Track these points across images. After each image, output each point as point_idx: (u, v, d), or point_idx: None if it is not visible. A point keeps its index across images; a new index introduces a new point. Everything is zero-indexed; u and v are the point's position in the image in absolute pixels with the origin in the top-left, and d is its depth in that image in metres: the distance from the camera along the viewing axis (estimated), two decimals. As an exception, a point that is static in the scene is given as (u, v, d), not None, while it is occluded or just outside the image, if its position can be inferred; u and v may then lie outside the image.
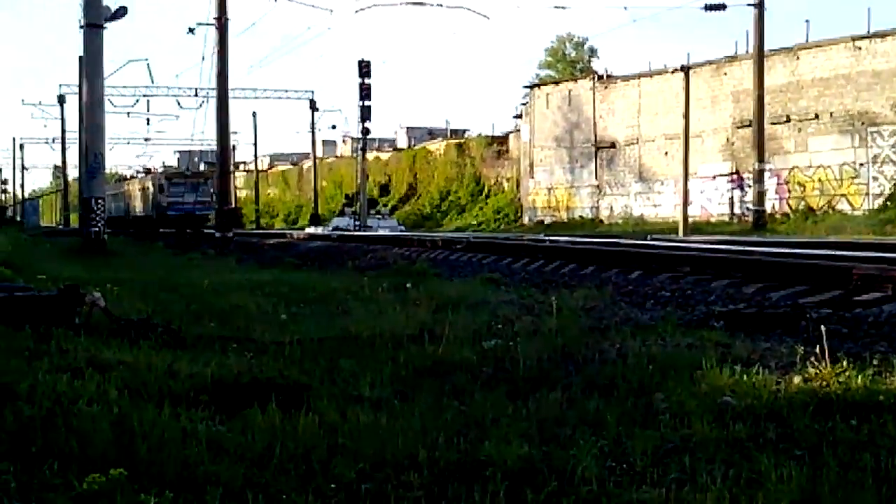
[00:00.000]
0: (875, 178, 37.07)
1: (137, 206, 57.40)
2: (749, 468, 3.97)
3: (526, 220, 54.88)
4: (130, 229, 52.38)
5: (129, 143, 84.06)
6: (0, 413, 4.66)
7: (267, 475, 3.93)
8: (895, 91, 36.08)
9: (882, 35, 36.81)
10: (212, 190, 46.09)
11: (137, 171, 69.22)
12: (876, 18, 43.65)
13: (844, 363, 5.53)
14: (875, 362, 5.82)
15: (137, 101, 67.22)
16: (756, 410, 4.89)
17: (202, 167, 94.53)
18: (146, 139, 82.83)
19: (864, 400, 4.92)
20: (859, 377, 5.37)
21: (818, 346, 5.62)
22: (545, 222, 51.57)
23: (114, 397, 5.12)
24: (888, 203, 36.21)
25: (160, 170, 63.64)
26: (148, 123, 75.96)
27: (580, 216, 51.04)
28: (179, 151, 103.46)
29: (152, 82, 58.88)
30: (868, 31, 37.52)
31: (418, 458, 4.16)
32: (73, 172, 75.40)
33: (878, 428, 4.53)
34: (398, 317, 9.15)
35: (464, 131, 76.80)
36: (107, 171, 35.35)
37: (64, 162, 77.52)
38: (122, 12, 27.00)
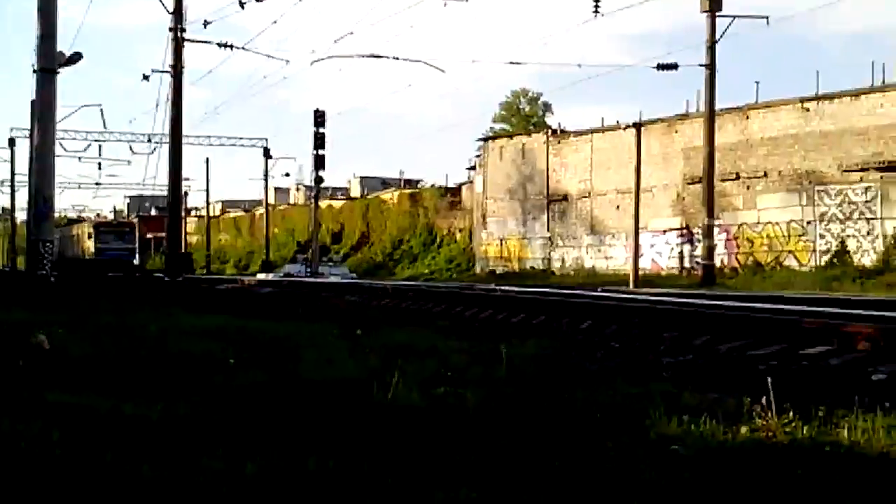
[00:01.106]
0: (822, 236, 37.65)
1: (73, 250, 59.15)
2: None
3: (478, 269, 54.98)
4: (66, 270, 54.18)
5: (79, 186, 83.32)
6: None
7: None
8: (842, 151, 36.77)
9: (830, 97, 37.56)
10: (136, 238, 52.88)
11: (78, 217, 71.70)
12: (824, 82, 44.64)
13: (790, 414, 5.58)
14: (821, 414, 5.88)
15: (89, 145, 66.78)
16: (704, 460, 4.90)
17: (153, 212, 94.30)
18: (97, 183, 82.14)
19: (810, 450, 4.96)
20: (805, 428, 5.42)
21: (764, 398, 5.67)
22: (497, 272, 51.69)
23: (56, 439, 5.04)
24: (834, 260, 36.77)
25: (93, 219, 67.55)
26: (100, 168, 75.38)
27: (532, 267, 51.23)
28: (130, 196, 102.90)
29: (105, 127, 58.45)
30: (816, 93, 38.27)
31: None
32: (21, 215, 74.48)
33: (823, 478, 4.56)
34: (348, 364, 9.10)
35: (417, 181, 77.10)
36: (56, 214, 35.03)
37: (13, 205, 76.54)
38: (76, 58, 26.86)
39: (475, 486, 4.43)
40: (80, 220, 79.75)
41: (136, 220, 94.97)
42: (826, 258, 37.17)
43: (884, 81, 37.28)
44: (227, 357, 9.74)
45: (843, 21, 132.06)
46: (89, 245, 59.80)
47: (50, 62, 25.69)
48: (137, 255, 74.62)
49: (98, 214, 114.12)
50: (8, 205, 79.71)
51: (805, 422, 5.55)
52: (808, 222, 38.05)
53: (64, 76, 26.30)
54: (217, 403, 6.64)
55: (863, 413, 5.74)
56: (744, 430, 5.50)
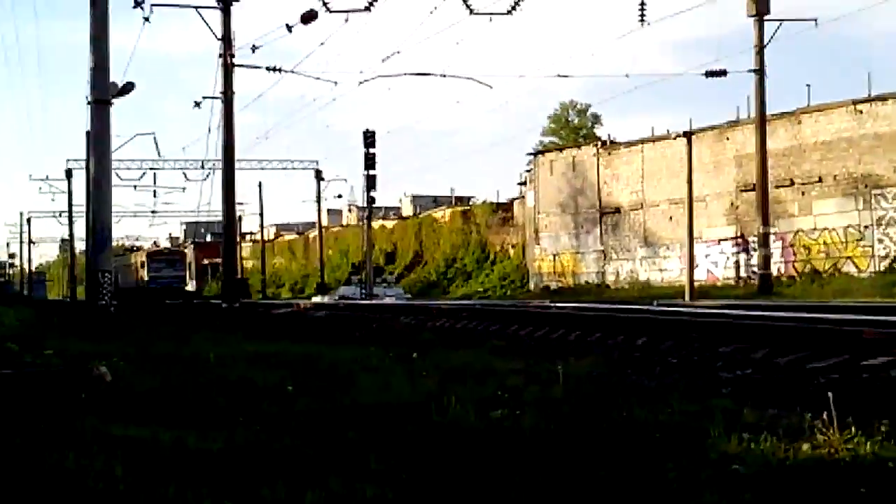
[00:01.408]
0: (880, 241, 37.12)
1: (129, 278, 60.83)
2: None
3: (532, 285, 54.88)
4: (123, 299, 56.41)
5: (135, 215, 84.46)
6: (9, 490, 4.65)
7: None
8: (897, 153, 36.27)
9: (883, 98, 37.10)
10: (187, 265, 56.06)
11: (133, 246, 74.28)
12: (876, 82, 44.10)
13: (852, 429, 5.51)
14: (883, 429, 5.80)
15: (144, 173, 67.71)
16: (765, 479, 4.86)
17: (209, 238, 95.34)
18: (153, 211, 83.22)
19: (873, 467, 4.90)
20: (868, 444, 5.35)
21: (826, 413, 5.61)
22: (551, 288, 51.56)
23: (120, 474, 5.11)
24: (894, 265, 36.22)
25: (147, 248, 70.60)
26: (155, 195, 76.41)
27: (586, 281, 51.03)
28: (186, 223, 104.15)
29: (159, 155, 59.20)
30: (869, 95, 37.82)
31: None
32: (80, 245, 75.67)
33: (888, 495, 4.50)
34: (404, 387, 9.13)
35: (469, 199, 77.15)
36: (114, 242, 35.52)
37: (71, 235, 77.78)
38: (129, 88, 27.34)
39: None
40: (135, 249, 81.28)
41: (189, 247, 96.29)
42: (885, 263, 36.62)
43: (938, 81, 36.72)
44: (285, 384, 9.82)
45: (894, 19, 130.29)
46: (143, 273, 61.97)
47: (103, 93, 26.12)
48: (193, 282, 76.03)
49: (154, 243, 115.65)
50: (67, 236, 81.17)
51: (867, 437, 5.47)
52: (866, 227, 37.53)
53: (117, 106, 26.73)
54: (276, 432, 6.69)
55: (927, 426, 5.65)
56: (805, 447, 5.43)
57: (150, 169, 67.23)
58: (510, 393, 8.45)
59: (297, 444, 6.00)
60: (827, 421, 5.52)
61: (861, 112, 37.70)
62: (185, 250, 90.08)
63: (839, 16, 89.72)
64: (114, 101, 26.46)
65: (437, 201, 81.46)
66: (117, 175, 53.95)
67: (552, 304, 23.79)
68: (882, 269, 36.52)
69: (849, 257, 38.07)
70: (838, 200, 38.52)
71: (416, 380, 9.83)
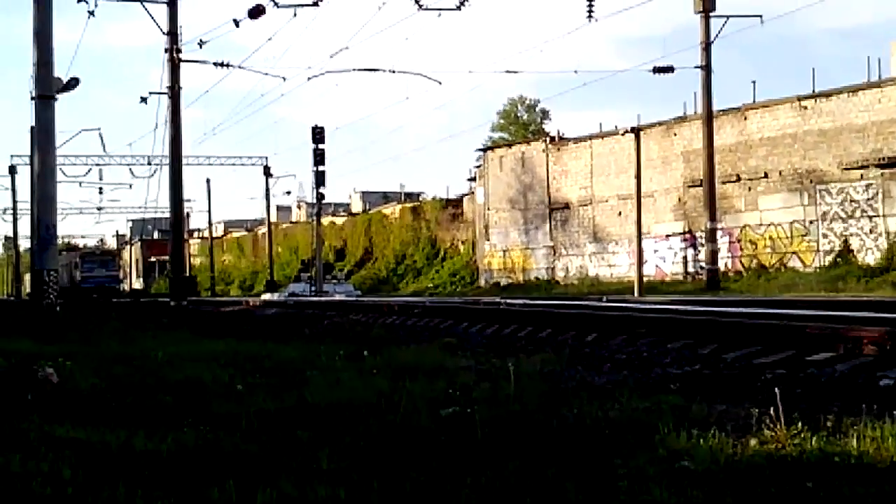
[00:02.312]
0: (825, 236, 37.65)
1: (65, 278, 62.86)
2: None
3: (482, 282, 55.00)
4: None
5: (81, 212, 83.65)
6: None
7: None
8: (841, 149, 36.79)
9: (827, 94, 37.61)
10: (118, 266, 58.61)
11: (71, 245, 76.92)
12: (820, 78, 44.72)
13: (799, 424, 5.58)
14: (829, 423, 5.89)
15: (90, 170, 67.08)
16: (713, 475, 4.91)
17: (156, 235, 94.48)
18: (99, 208, 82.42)
19: (819, 462, 4.96)
20: (814, 438, 5.43)
21: (772, 408, 5.67)
22: (501, 284, 51.71)
23: (67, 477, 5.05)
24: (838, 260, 36.75)
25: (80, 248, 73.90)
26: (101, 192, 75.73)
27: (536, 277, 51.23)
28: (132, 220, 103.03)
29: (105, 151, 58.55)
30: (813, 91, 38.31)
31: (378, 534, 4.13)
32: (24, 243, 74.71)
33: (834, 490, 4.57)
34: (356, 385, 9.11)
35: (419, 194, 77.14)
36: (60, 240, 35.11)
37: (15, 233, 76.77)
38: (73, 83, 26.97)
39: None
40: (72, 249, 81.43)
41: (136, 245, 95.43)
42: (830, 258, 37.15)
43: (880, 77, 37.35)
44: (234, 383, 9.76)
45: (836, 17, 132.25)
46: (76, 273, 63.76)
47: (47, 89, 25.74)
48: (140, 280, 76.05)
49: (101, 240, 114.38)
50: (11, 233, 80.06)
51: (814, 432, 5.55)
52: (811, 222, 38.05)
53: (62, 101, 26.42)
54: (226, 432, 6.65)
55: (871, 421, 5.73)
56: (753, 442, 5.50)
57: (96, 165, 66.66)
58: (461, 391, 8.46)
59: (247, 445, 5.96)
60: (774, 416, 5.59)
61: (805, 108, 38.20)
62: (123, 249, 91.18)
63: (784, 13, 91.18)
64: (58, 96, 26.09)
65: (386, 197, 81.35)
66: (62, 171, 53.42)
67: (502, 301, 23.85)
68: (826, 263, 37.05)
69: (794, 252, 38.59)
70: (784, 196, 39.02)
71: (367, 378, 9.81)
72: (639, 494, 4.68)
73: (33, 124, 28.93)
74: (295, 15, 31.47)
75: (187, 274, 37.62)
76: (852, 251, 36.63)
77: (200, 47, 33.09)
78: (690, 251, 42.83)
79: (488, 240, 55.19)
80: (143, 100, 36.33)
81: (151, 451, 5.74)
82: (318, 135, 50.57)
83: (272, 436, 6.57)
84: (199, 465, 5.32)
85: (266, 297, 48.99)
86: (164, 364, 12.05)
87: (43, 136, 26.40)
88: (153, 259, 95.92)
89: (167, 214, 39.60)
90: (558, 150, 51.01)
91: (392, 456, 5.93)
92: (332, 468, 5.55)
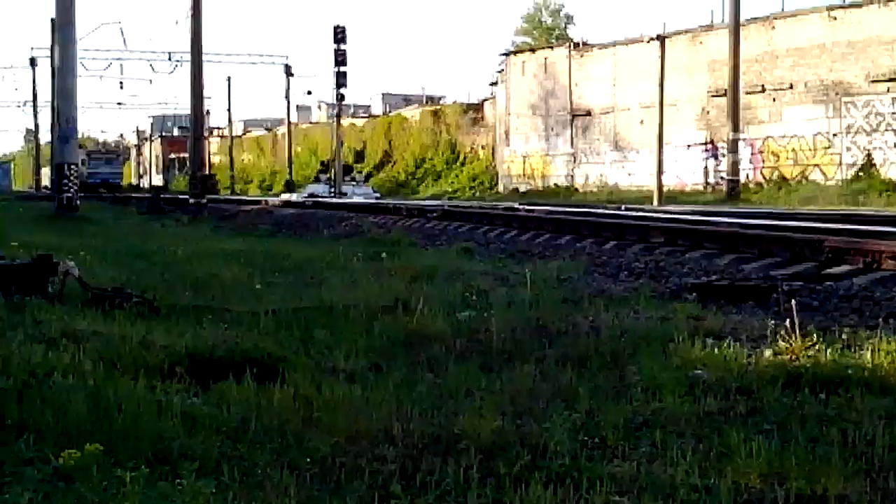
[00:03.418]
0: (848, 149, 37.25)
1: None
2: (719, 442, 4.03)
3: (501, 187, 54.86)
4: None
5: (101, 107, 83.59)
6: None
7: (242, 449, 3.96)
8: (869, 61, 36.19)
9: (858, 5, 36.87)
10: (122, 163, 63.72)
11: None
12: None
13: (814, 337, 5.59)
14: (844, 336, 5.90)
15: (110, 64, 66.90)
16: (727, 384, 4.94)
17: (176, 132, 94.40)
18: (119, 103, 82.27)
19: (833, 374, 4.98)
20: (828, 351, 5.44)
21: (788, 320, 5.68)
22: (520, 190, 51.57)
23: (89, 369, 5.13)
24: (860, 173, 36.43)
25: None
26: (121, 87, 75.58)
27: (555, 184, 51.04)
28: (153, 116, 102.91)
29: (125, 45, 58.40)
30: (844, 1, 37.58)
31: (392, 432, 4.19)
32: (45, 136, 74.84)
33: (845, 402, 4.59)
34: (373, 287, 9.17)
35: (440, 98, 76.57)
36: (80, 135, 35.13)
37: (36, 126, 76.88)
38: (94, -25, 26.69)
39: (499, 415, 4.49)
40: (80, 147, 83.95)
41: (157, 141, 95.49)
42: (852, 171, 36.81)
43: (914, -12, 36.48)
44: (253, 281, 9.84)
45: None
46: (84, 169, 66.87)
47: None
48: (160, 176, 77.25)
49: (121, 135, 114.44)
50: (32, 126, 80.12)
51: (828, 345, 5.56)
52: (835, 135, 37.62)
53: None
54: (244, 330, 6.72)
55: (886, 335, 5.73)
56: (767, 353, 5.52)
57: (116, 59, 66.38)
58: (478, 295, 8.51)
59: (264, 343, 6.02)
60: (789, 328, 5.59)
61: (835, 18, 37.49)
62: (143, 145, 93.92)
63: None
64: (79, -12, 25.88)
65: (407, 100, 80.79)
66: (83, 65, 53.13)
67: (521, 207, 23.83)
68: (849, 177, 36.74)
69: (816, 165, 38.25)
70: (808, 107, 38.53)
71: (384, 279, 9.87)
72: (652, 401, 4.73)
73: (54, 17, 28.79)
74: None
75: (207, 172, 37.68)
76: (875, 165, 36.27)
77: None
78: (711, 161, 42.50)
79: (508, 145, 54.88)
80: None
81: (170, 345, 5.81)
82: (339, 35, 50.05)
83: (290, 334, 6.64)
84: (217, 361, 5.38)
85: (285, 197, 49.03)
86: (183, 260, 12.15)
87: (63, 28, 26.31)
88: (173, 156, 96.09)
89: (187, 111, 39.53)
90: (581, 56, 50.37)
91: (407, 357, 5.99)
92: (349, 368, 5.62)
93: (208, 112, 65.95)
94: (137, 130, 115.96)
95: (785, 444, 3.96)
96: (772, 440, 4.03)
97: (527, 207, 23.05)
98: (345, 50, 50.13)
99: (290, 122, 72.25)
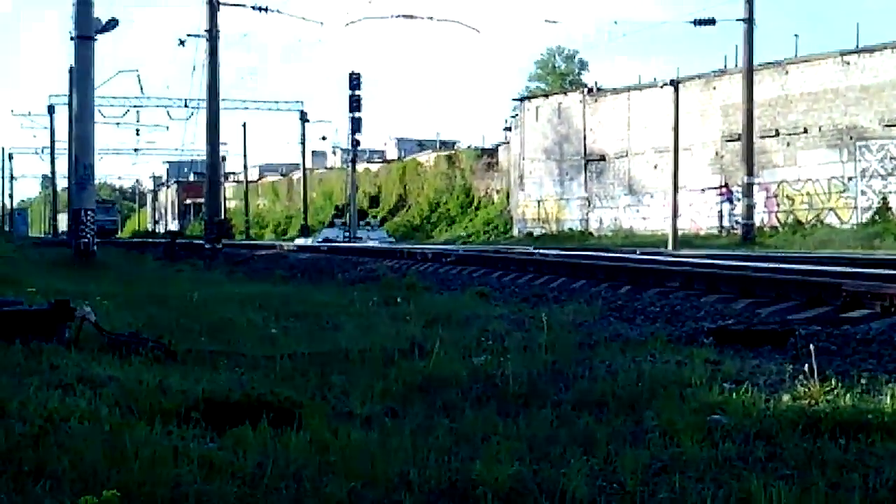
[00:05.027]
0: (863, 192, 37.23)
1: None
2: (738, 488, 3.98)
3: (515, 231, 54.91)
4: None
5: (118, 153, 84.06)
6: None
7: (258, 494, 3.94)
8: (883, 105, 36.26)
9: (870, 50, 37.02)
10: (117, 212, 74.77)
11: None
12: (864, 33, 43.94)
13: (833, 381, 5.56)
14: (863, 380, 5.85)
15: (127, 111, 67.38)
16: (745, 429, 4.90)
17: (192, 177, 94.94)
18: (136, 150, 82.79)
19: (852, 419, 4.93)
20: (847, 395, 5.40)
21: (807, 364, 5.65)
22: (535, 234, 51.60)
23: (105, 414, 5.13)
24: (876, 217, 36.38)
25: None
26: (137, 134, 76.11)
27: (570, 228, 51.07)
28: (169, 162, 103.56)
29: (142, 93, 58.88)
30: (857, 46, 37.72)
31: (409, 478, 4.16)
32: (62, 182, 75.41)
33: (866, 447, 4.55)
34: (388, 331, 9.16)
35: (454, 143, 76.88)
36: (97, 181, 35.34)
37: (53, 172, 77.50)
38: (112, 24, 27.02)
39: (517, 461, 4.46)
40: None
41: (173, 186, 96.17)
42: (868, 215, 36.76)
43: (926, 33, 36.62)
44: (268, 326, 9.85)
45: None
46: None
47: (87, 29, 25.84)
48: (175, 222, 78.33)
49: (137, 181, 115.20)
50: (49, 173, 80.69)
51: (847, 389, 5.52)
52: (850, 178, 37.61)
53: (101, 42, 26.48)
54: (260, 375, 6.71)
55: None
56: (786, 398, 5.48)
57: (134, 107, 66.84)
58: (494, 339, 8.49)
59: (280, 388, 6.01)
60: (808, 372, 5.56)
61: (848, 63, 37.62)
62: (159, 190, 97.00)
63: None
64: (97, 36, 26.19)
65: (422, 145, 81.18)
66: (100, 112, 53.65)
67: (535, 251, 23.83)
68: (864, 220, 36.67)
69: (831, 208, 38.21)
70: (823, 152, 38.56)
71: (399, 324, 9.86)
72: (670, 446, 4.69)
73: (72, 64, 29.07)
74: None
75: (222, 217, 37.84)
76: (890, 209, 36.23)
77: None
78: (726, 205, 42.49)
79: (523, 189, 54.99)
80: (182, 42, 36.40)
81: (187, 390, 5.81)
82: (354, 81, 50.45)
83: (305, 379, 6.63)
84: (233, 405, 5.37)
85: (300, 241, 49.17)
86: (199, 305, 12.17)
87: (81, 75, 26.56)
88: (188, 201, 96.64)
89: (203, 157, 39.74)
90: (595, 101, 50.59)
91: (423, 402, 5.97)
92: (365, 413, 5.60)
93: (224, 158, 66.36)
94: (153, 176, 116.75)
95: (805, 489, 3.91)
96: (792, 485, 3.98)
97: (541, 252, 23.04)
98: (359, 96, 50.54)
99: (305, 168, 72.60)
